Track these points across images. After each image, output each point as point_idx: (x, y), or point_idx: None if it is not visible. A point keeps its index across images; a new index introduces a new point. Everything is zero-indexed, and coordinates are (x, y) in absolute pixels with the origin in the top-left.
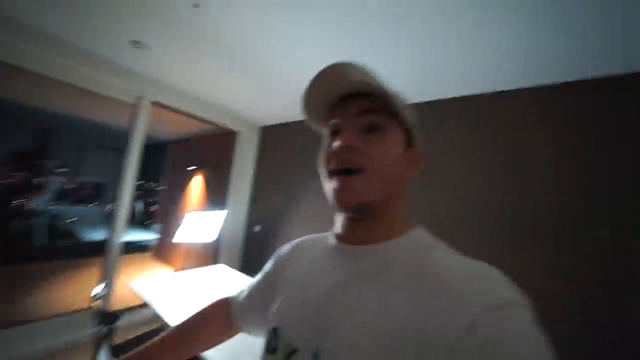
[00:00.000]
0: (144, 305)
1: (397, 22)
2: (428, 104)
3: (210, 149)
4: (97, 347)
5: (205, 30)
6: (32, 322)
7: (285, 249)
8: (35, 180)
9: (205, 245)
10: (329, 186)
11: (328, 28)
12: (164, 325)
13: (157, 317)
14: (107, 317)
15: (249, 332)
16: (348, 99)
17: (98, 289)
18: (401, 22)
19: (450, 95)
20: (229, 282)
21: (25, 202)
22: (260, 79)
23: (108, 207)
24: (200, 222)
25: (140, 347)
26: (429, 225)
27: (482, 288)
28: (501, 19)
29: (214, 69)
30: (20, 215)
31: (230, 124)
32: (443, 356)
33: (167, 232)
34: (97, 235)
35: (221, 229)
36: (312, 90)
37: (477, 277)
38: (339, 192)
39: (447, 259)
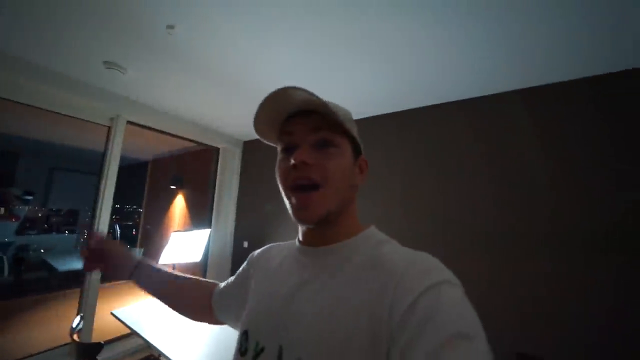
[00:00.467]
0: (130, 334)
1: (365, 38)
2: (411, 111)
3: (191, 167)
4: None
5: (181, 50)
6: None
7: (257, 252)
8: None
9: (191, 265)
10: (288, 202)
11: (299, 44)
12: (152, 354)
13: (144, 346)
14: (89, 349)
15: (223, 319)
16: (296, 117)
17: (76, 321)
18: (370, 39)
19: (430, 103)
20: None
21: None
22: (238, 94)
23: (85, 233)
24: (185, 242)
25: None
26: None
27: (421, 273)
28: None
29: (191, 87)
30: None
31: (210, 140)
32: (394, 332)
33: (150, 256)
34: (74, 264)
35: (207, 248)
36: (260, 114)
37: (417, 264)
38: (298, 210)
39: (393, 252)
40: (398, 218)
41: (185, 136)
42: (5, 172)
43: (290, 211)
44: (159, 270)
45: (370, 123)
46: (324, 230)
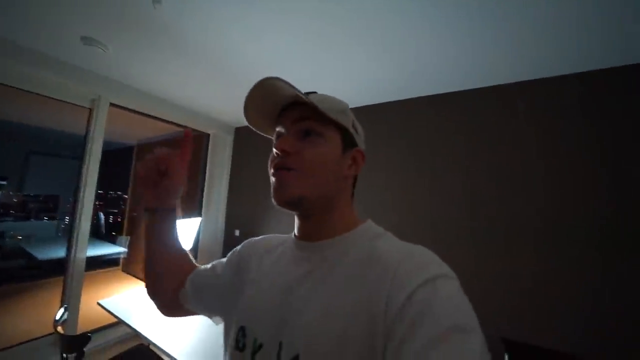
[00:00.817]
0: (117, 324)
1: (361, 23)
2: (409, 101)
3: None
4: None
5: (168, 28)
6: None
7: (255, 239)
8: None
9: None
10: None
11: (292, 27)
12: (142, 342)
13: (133, 334)
14: (75, 342)
15: (194, 306)
16: (288, 108)
17: (60, 312)
18: (366, 23)
19: (425, 94)
20: None
21: None
22: (229, 78)
23: (66, 220)
24: None
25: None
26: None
27: (417, 266)
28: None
29: (180, 69)
30: None
31: (200, 126)
32: (391, 326)
33: (136, 244)
34: (56, 252)
35: (197, 237)
36: (249, 107)
37: (414, 258)
38: (274, 189)
39: (389, 245)
40: (386, 210)
41: (173, 121)
42: None
43: (272, 195)
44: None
45: (358, 113)
46: (317, 223)
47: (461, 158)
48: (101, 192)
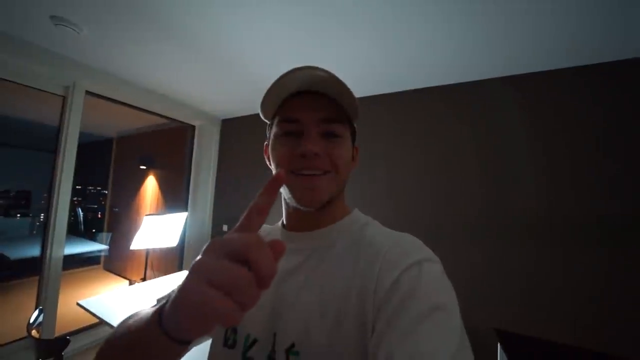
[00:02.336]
0: (98, 323)
1: (357, 12)
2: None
3: (163, 145)
4: None
5: (151, 7)
6: None
7: None
8: None
9: (166, 251)
10: (290, 184)
11: (285, 15)
12: None
13: None
14: (53, 346)
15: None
16: (303, 98)
17: (35, 314)
18: (362, 13)
19: (420, 86)
20: None
21: None
22: (217, 68)
23: (41, 217)
24: (159, 226)
25: None
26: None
27: (403, 252)
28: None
29: (164, 56)
30: None
31: (185, 117)
32: (379, 307)
33: (118, 241)
34: (30, 251)
35: (184, 232)
36: (272, 90)
37: (399, 244)
38: (305, 191)
39: (376, 233)
40: (381, 202)
41: (156, 111)
42: None
43: (288, 195)
44: None
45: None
46: (311, 216)
47: (459, 152)
48: (79, 187)
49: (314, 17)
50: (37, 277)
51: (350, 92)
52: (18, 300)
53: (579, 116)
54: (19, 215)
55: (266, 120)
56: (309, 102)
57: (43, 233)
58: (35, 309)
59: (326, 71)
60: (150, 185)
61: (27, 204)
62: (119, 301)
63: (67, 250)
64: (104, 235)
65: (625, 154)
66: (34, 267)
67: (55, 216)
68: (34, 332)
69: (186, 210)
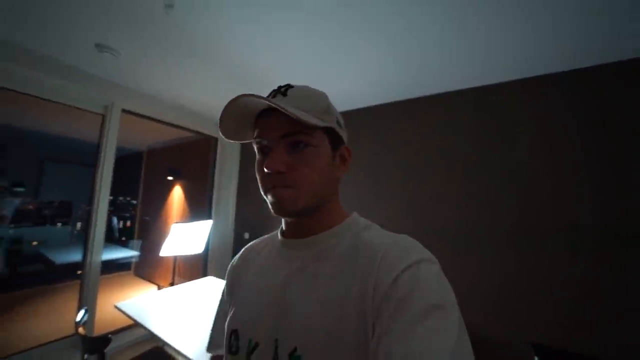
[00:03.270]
0: (133, 326)
1: (370, 22)
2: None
3: (188, 157)
4: None
5: (179, 33)
6: (6, 358)
7: (235, 260)
8: None
9: (191, 258)
10: (266, 198)
11: (301, 29)
12: (160, 345)
13: (149, 337)
14: (97, 343)
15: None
16: (269, 114)
17: (81, 314)
18: (376, 22)
19: (430, 93)
20: (219, 295)
21: None
22: (238, 82)
23: (78, 225)
24: (186, 233)
25: None
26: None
27: (400, 253)
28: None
29: (190, 74)
30: None
31: (209, 130)
32: (378, 309)
33: (147, 248)
34: (70, 256)
35: (208, 240)
36: (225, 124)
37: (397, 245)
38: (274, 204)
39: (374, 236)
40: (402, 212)
41: (183, 125)
42: None
43: (270, 207)
44: None
45: (365, 113)
46: (307, 222)
47: (475, 157)
48: (110, 197)
49: (332, 29)
50: (77, 281)
51: (310, 96)
52: (62, 302)
53: (601, 116)
54: (60, 223)
55: (241, 141)
56: (271, 119)
57: (84, 240)
58: (78, 310)
59: (268, 100)
60: (177, 195)
61: (68, 213)
62: (150, 305)
63: (103, 256)
64: (135, 242)
65: None
66: (74, 271)
67: (95, 224)
68: (80, 330)
69: (210, 218)
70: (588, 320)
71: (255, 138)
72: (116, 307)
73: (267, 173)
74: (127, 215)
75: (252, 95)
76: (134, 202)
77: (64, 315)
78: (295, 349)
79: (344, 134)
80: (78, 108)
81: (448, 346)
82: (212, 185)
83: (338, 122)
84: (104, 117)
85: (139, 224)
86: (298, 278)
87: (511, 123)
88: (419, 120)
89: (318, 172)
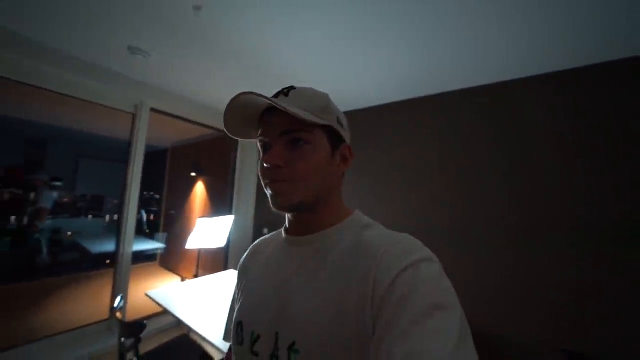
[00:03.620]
0: (160, 313)
1: (389, 14)
2: (438, 96)
3: (211, 154)
4: (122, 358)
5: (206, 34)
6: (50, 337)
7: (244, 257)
8: (30, 195)
9: (214, 251)
10: (267, 193)
11: (326, 28)
12: (188, 332)
13: (176, 325)
14: (134, 328)
15: None
16: (271, 113)
17: (117, 300)
18: (401, 20)
19: (455, 88)
20: None
21: (30, 218)
22: (262, 81)
23: (107, 218)
24: (210, 228)
25: None
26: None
27: (401, 252)
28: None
29: (216, 73)
30: (21, 232)
31: None
32: (378, 308)
33: (172, 241)
34: (101, 246)
35: (229, 234)
36: (229, 121)
37: (397, 244)
38: (272, 198)
39: (375, 235)
40: (422, 211)
41: (207, 124)
42: (36, 160)
43: (270, 202)
44: None
45: (378, 111)
46: (307, 219)
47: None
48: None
49: (357, 27)
50: (109, 270)
51: (311, 96)
52: (96, 289)
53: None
54: (90, 215)
55: (248, 139)
56: (272, 118)
57: (117, 232)
58: (112, 297)
59: (266, 98)
60: (199, 191)
61: (99, 206)
62: (177, 294)
63: (133, 247)
64: (160, 235)
65: None
66: (105, 261)
67: (127, 218)
68: (118, 314)
69: (231, 214)
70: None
71: (259, 136)
72: (147, 294)
73: (266, 168)
74: (153, 209)
75: (252, 93)
76: (158, 196)
77: (98, 301)
78: (294, 343)
79: (345, 134)
80: (110, 107)
81: (450, 346)
82: (233, 182)
83: (339, 122)
84: (134, 116)
85: (164, 218)
86: (299, 274)
87: (516, 122)
88: (423, 119)
89: (315, 169)
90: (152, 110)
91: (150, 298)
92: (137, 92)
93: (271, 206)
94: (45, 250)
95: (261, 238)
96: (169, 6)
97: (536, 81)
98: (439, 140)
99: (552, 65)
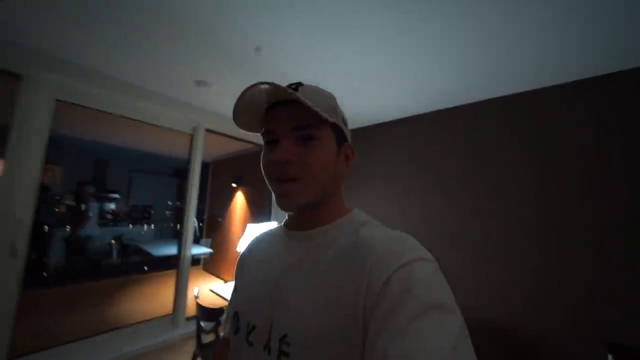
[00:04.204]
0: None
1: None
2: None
3: (249, 166)
4: (199, 339)
5: (263, 67)
6: (120, 329)
7: (244, 251)
8: (82, 206)
9: None
10: (272, 191)
11: (372, 51)
12: None
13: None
14: (215, 313)
15: None
16: (278, 107)
17: (195, 290)
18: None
19: (485, 97)
20: None
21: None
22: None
23: (152, 226)
24: (257, 233)
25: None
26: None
27: (396, 251)
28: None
29: None
30: (75, 238)
31: None
32: (372, 307)
33: (214, 246)
34: (162, 250)
35: None
36: (238, 109)
37: (392, 243)
38: (280, 198)
39: (372, 232)
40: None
41: (247, 139)
42: (99, 177)
43: (275, 200)
44: None
45: (412, 122)
46: (310, 216)
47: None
48: (178, 203)
49: (396, 46)
50: (165, 271)
51: (320, 93)
52: (155, 288)
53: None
54: (144, 224)
55: (255, 132)
56: (282, 113)
57: (179, 237)
58: (175, 294)
59: (283, 88)
60: (239, 200)
61: (149, 215)
62: (227, 294)
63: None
64: (204, 240)
65: None
66: (163, 264)
67: (187, 225)
68: (198, 301)
69: (269, 220)
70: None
71: (265, 129)
72: (211, 290)
73: (274, 162)
74: (198, 217)
75: (271, 83)
76: (201, 205)
77: (158, 298)
78: (286, 335)
79: (347, 132)
80: (172, 129)
81: (447, 347)
82: (270, 191)
83: (343, 121)
84: (192, 136)
85: (207, 225)
86: (296, 269)
87: (539, 129)
88: (453, 129)
89: (324, 166)
90: (207, 130)
91: (214, 292)
92: (195, 115)
93: (277, 205)
94: (115, 253)
95: (261, 232)
96: (235, 48)
97: (564, 89)
98: (472, 149)
99: (582, 72)
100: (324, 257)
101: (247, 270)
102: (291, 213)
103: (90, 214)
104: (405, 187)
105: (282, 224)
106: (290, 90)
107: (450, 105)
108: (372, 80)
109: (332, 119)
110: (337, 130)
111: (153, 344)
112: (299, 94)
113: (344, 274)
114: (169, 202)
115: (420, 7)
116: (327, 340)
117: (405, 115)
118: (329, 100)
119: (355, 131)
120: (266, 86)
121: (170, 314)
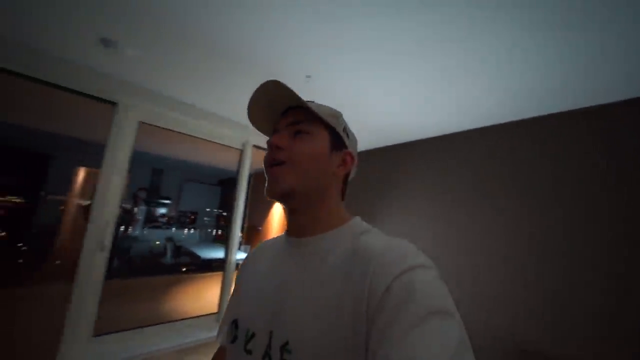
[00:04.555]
0: None
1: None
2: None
3: None
4: None
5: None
6: (171, 322)
7: (246, 258)
8: (134, 209)
9: None
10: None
11: (412, 80)
12: None
13: None
14: None
15: None
16: (285, 114)
17: None
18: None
19: (516, 118)
20: None
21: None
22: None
23: (197, 231)
24: None
25: None
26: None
27: (396, 258)
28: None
29: None
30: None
31: None
32: (373, 315)
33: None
34: (212, 253)
35: None
36: (253, 109)
37: (393, 250)
38: (267, 183)
39: (372, 240)
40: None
41: None
42: (155, 184)
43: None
44: None
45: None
46: (303, 217)
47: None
48: (220, 210)
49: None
50: (210, 273)
51: (327, 107)
52: (203, 287)
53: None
54: (191, 229)
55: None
56: (287, 116)
57: (226, 242)
58: (220, 294)
59: (287, 88)
60: (277, 210)
61: (195, 220)
62: None
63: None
64: (243, 247)
65: None
66: (209, 265)
67: (234, 231)
68: None
69: None
70: None
71: (273, 129)
72: None
73: (268, 152)
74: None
75: (275, 81)
76: (247, 214)
77: (205, 297)
78: (286, 343)
79: (349, 144)
80: (224, 145)
81: (448, 354)
82: None
83: (345, 131)
84: (241, 151)
85: (247, 232)
86: (296, 276)
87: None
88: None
89: (311, 155)
90: (254, 146)
91: None
92: (244, 132)
93: (265, 195)
94: (169, 253)
95: (264, 241)
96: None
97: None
98: (512, 167)
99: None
100: (324, 264)
101: (248, 277)
102: (278, 201)
103: (139, 217)
104: (445, 206)
105: (284, 232)
106: (296, 94)
107: (489, 124)
108: (415, 101)
109: (325, 121)
110: (335, 134)
111: (200, 339)
112: (304, 101)
113: (345, 280)
114: (211, 209)
115: (468, 45)
116: (329, 347)
117: (443, 133)
118: (332, 111)
119: (386, 148)
120: (279, 84)
121: (215, 313)
